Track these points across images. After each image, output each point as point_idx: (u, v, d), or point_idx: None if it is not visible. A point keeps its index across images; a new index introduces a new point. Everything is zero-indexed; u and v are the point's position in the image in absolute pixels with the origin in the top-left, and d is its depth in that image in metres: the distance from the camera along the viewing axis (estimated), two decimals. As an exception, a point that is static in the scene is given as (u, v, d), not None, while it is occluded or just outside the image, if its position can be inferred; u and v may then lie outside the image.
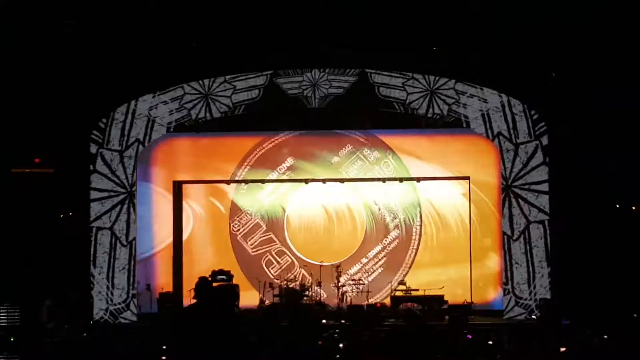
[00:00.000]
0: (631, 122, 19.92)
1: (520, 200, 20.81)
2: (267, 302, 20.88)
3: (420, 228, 22.15)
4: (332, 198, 22.40)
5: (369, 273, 22.01)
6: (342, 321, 19.37)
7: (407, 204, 22.27)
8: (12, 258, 19.77)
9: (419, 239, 22.14)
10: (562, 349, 14.01)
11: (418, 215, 22.19)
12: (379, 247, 22.19)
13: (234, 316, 13.41)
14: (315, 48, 20.65)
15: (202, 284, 9.80)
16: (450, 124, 21.39)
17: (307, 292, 20.69)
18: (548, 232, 20.70)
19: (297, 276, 21.94)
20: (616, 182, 20.18)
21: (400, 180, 22.03)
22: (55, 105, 20.21)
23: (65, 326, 17.89)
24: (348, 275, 21.71)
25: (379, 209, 22.26)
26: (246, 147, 22.29)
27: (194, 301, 10.01)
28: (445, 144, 21.93)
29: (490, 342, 14.86)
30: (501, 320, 20.22)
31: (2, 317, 18.05)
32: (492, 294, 21.47)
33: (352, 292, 21.12)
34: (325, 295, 21.24)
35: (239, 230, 22.41)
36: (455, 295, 20.78)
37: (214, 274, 20.33)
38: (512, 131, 20.92)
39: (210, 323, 9.60)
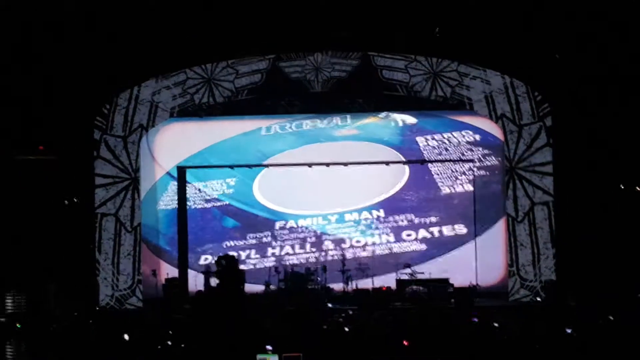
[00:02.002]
0: (635, 103, 19.88)
1: (524, 181, 20.80)
2: (272, 287, 20.88)
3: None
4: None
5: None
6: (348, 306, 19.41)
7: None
8: (17, 245, 19.80)
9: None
10: (568, 330, 14.02)
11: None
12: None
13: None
14: (318, 31, 20.62)
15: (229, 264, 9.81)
16: (454, 106, 21.39)
17: (312, 277, 20.69)
18: (552, 213, 20.70)
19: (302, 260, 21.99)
20: (621, 162, 20.15)
21: (405, 163, 22.02)
22: (58, 92, 20.20)
23: (75, 314, 17.94)
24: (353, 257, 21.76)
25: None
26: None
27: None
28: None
29: (496, 325, 14.87)
30: (507, 302, 20.24)
31: (8, 304, 18.10)
32: (497, 277, 21.47)
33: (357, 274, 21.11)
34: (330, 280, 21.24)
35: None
36: (459, 278, 20.78)
37: (220, 259, 20.32)
38: (515, 113, 20.89)
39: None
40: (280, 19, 19.89)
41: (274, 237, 22.40)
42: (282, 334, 13.83)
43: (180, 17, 19.85)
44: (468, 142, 21.96)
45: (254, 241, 22.38)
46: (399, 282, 20.75)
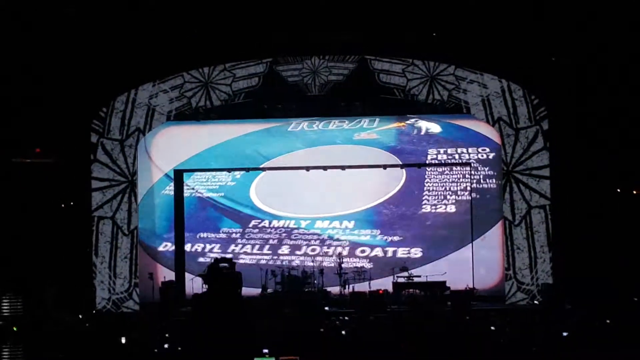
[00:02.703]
0: (631, 106, 19.91)
1: (521, 185, 20.82)
2: (269, 290, 20.86)
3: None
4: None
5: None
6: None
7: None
8: (14, 248, 19.78)
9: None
10: (565, 334, 14.04)
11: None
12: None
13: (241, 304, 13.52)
14: (316, 34, 20.65)
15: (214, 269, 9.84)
16: (451, 109, 21.40)
17: (309, 280, 20.68)
18: (549, 217, 20.70)
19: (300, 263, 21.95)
20: (617, 166, 20.17)
21: (402, 166, 22.02)
22: (55, 95, 20.19)
23: (72, 317, 17.92)
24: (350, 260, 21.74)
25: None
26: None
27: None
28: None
29: (493, 328, 14.88)
30: (503, 305, 20.24)
31: (4, 307, 18.04)
32: (494, 280, 21.46)
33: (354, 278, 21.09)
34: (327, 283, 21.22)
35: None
36: (457, 281, 20.76)
37: (216, 261, 20.27)
38: (512, 116, 20.91)
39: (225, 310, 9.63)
40: (278, 22, 19.92)
41: (243, 235, 22.32)
42: (279, 338, 13.83)
43: (177, 21, 19.87)
44: (478, 160, 21.70)
45: (224, 235, 22.33)
46: (395, 285, 20.74)
